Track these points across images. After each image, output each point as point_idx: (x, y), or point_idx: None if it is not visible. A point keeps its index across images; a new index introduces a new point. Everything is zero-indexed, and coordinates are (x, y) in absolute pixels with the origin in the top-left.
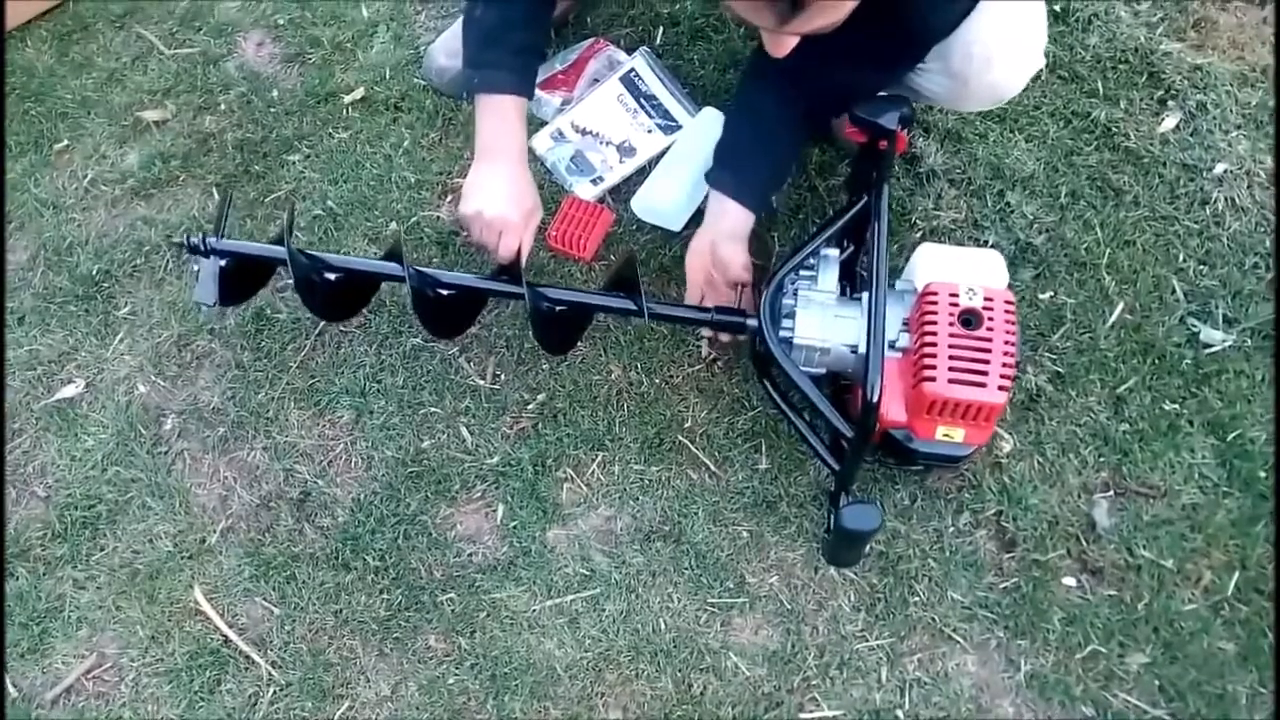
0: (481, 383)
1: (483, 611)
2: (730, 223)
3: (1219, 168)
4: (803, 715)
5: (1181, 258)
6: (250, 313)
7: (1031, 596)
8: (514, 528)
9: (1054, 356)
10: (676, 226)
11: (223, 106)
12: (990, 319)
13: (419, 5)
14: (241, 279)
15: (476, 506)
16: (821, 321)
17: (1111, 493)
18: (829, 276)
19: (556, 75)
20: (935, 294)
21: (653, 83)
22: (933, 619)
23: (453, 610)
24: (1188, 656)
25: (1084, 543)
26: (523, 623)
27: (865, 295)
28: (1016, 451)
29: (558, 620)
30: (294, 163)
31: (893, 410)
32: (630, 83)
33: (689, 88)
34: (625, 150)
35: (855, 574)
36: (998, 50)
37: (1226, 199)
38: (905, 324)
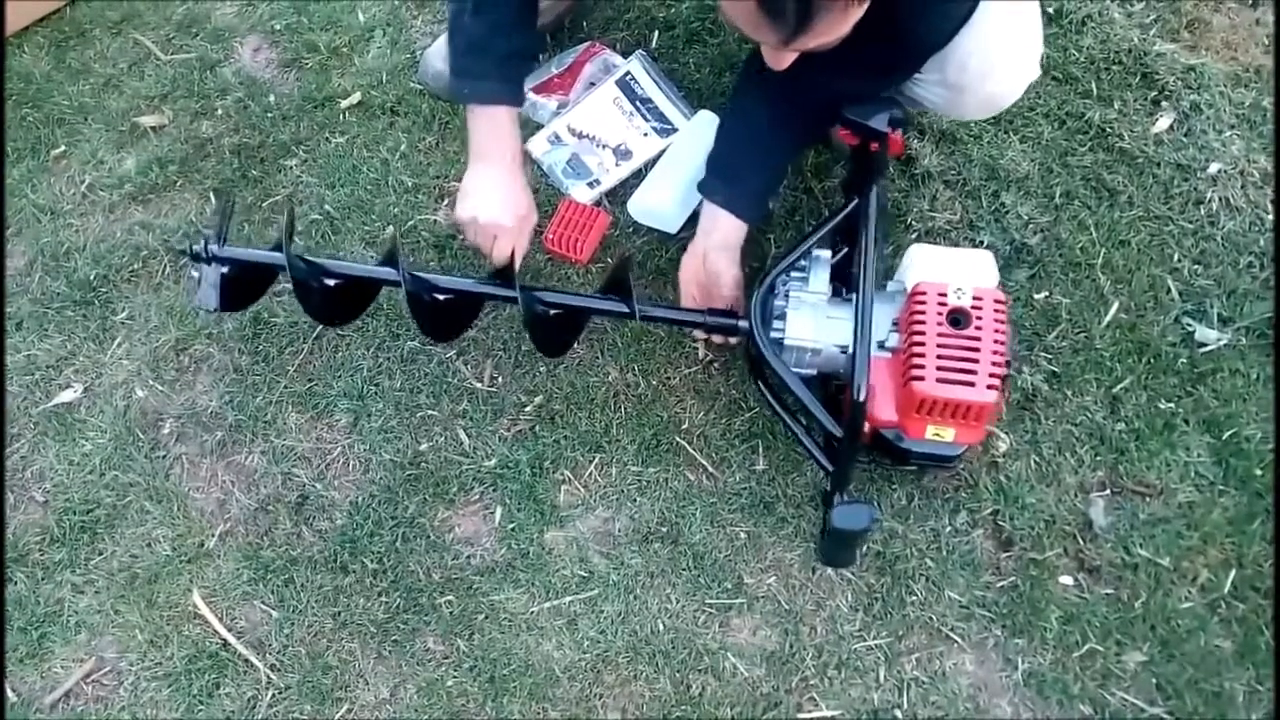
0: (479, 385)
1: (481, 613)
2: (722, 234)
3: (1213, 167)
4: (801, 715)
5: (1176, 257)
6: (248, 317)
7: (1029, 595)
8: (512, 530)
9: (1049, 356)
10: (673, 229)
11: (220, 112)
12: (979, 318)
13: (415, 10)
14: (243, 285)
15: (474, 509)
16: (812, 322)
17: (1108, 491)
18: (820, 278)
19: (553, 79)
20: (924, 294)
21: (649, 86)
22: (930, 618)
23: (451, 612)
24: (1185, 654)
25: (1081, 541)
26: (521, 624)
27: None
28: (1013, 451)
29: (556, 622)
30: (291, 167)
31: (883, 410)
32: (626, 86)
33: (685, 91)
34: (621, 153)
35: (853, 574)
36: (994, 61)
37: (1221, 199)
38: (895, 324)
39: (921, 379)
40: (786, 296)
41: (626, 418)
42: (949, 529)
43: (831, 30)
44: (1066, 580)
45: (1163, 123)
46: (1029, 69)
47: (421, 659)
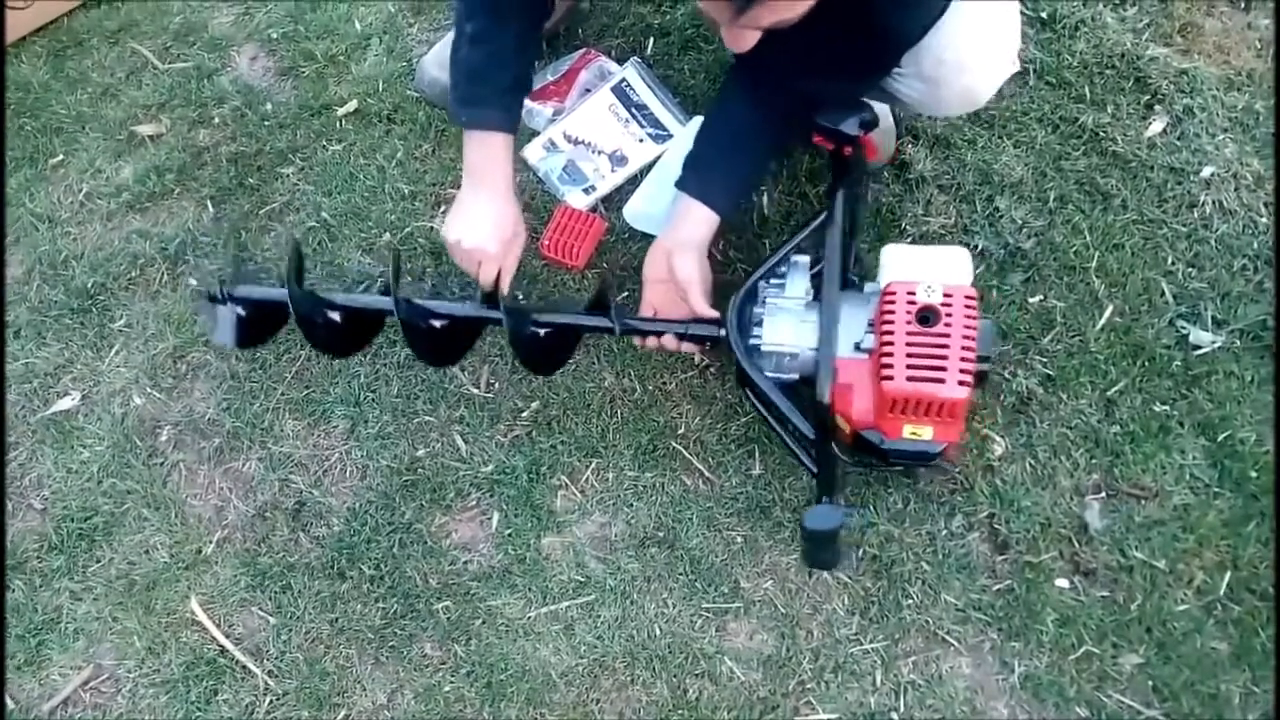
0: (476, 391)
1: (478, 619)
2: (690, 227)
3: (1206, 171)
4: (798, 719)
5: (1170, 260)
6: None
7: (1025, 598)
8: (509, 535)
9: (1044, 359)
10: None
11: (217, 120)
12: (949, 315)
13: (411, 18)
14: (258, 323)
15: (471, 514)
16: (790, 328)
17: (1103, 494)
18: (798, 283)
19: (548, 86)
20: (893, 293)
21: (644, 93)
22: (926, 622)
23: (448, 618)
24: (1181, 657)
25: (1076, 544)
26: (518, 630)
27: None
28: (1008, 454)
29: (553, 627)
30: (288, 175)
31: (861, 411)
32: (622, 93)
33: (680, 97)
34: (617, 159)
35: (849, 578)
36: (969, 56)
37: (1214, 202)
38: (870, 325)
39: (891, 378)
40: (764, 303)
41: (623, 423)
42: (945, 532)
43: (780, 7)
44: (1062, 583)
45: (1156, 126)
46: (1004, 64)
47: (419, 664)
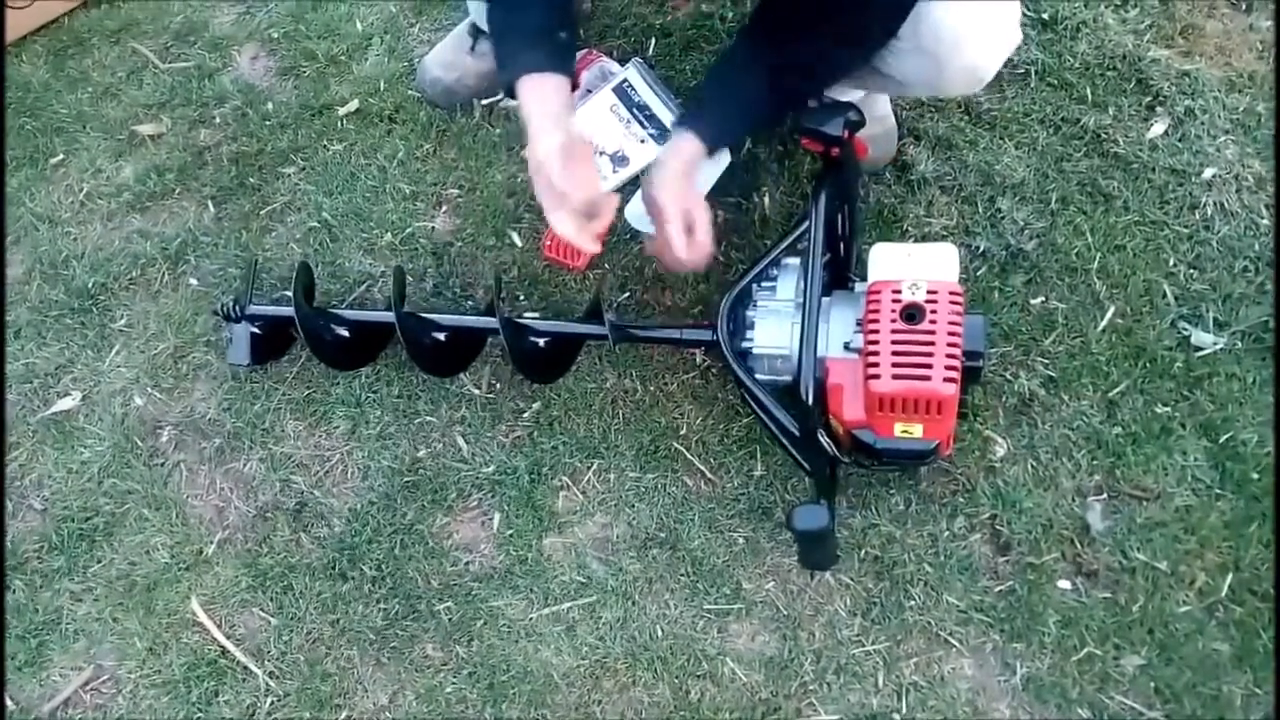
0: (477, 392)
1: (480, 620)
2: (675, 156)
3: (1207, 172)
4: None
5: (1172, 262)
6: None
7: (1027, 600)
8: (510, 536)
9: (1046, 361)
10: None
11: (218, 120)
12: (934, 312)
13: (413, 18)
14: (271, 340)
15: (473, 515)
16: (780, 330)
17: (1105, 496)
18: (788, 285)
19: None
20: (878, 292)
21: (645, 93)
22: (929, 623)
23: (450, 619)
24: (1183, 658)
25: (1078, 546)
26: (520, 631)
27: (826, 299)
28: (1010, 455)
29: (555, 628)
30: (289, 175)
31: (852, 411)
32: (623, 93)
33: (682, 98)
34: (618, 160)
35: (851, 579)
36: (968, 29)
37: (1215, 203)
38: (859, 324)
39: (878, 376)
40: (755, 305)
41: (624, 424)
42: (947, 534)
43: None
44: (1064, 584)
45: (1157, 128)
46: (1006, 37)
47: (420, 665)
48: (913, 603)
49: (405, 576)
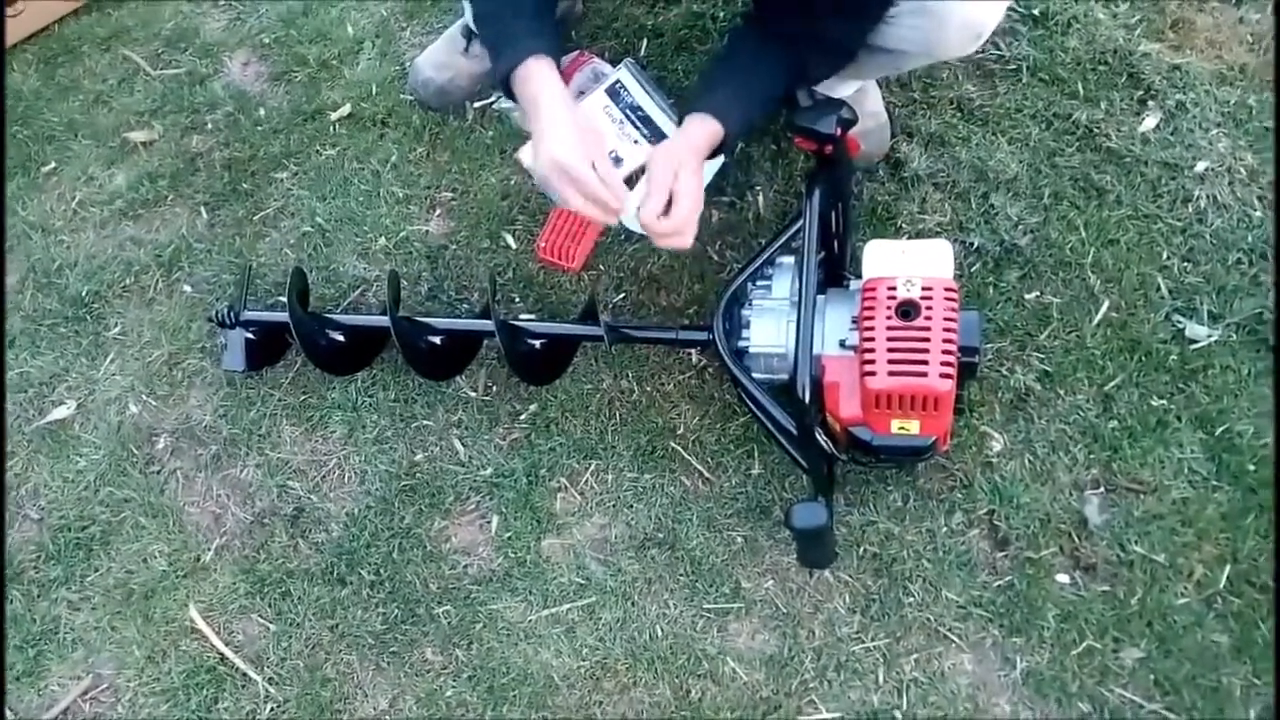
0: (473, 394)
1: (479, 623)
2: (682, 134)
3: (1200, 166)
4: (801, 718)
5: (1165, 255)
6: None
7: (1025, 594)
8: (509, 538)
9: (1041, 356)
10: None
11: (210, 126)
12: (929, 308)
13: (404, 21)
14: (268, 344)
15: (471, 518)
16: (776, 328)
17: (1102, 489)
18: (783, 284)
19: None
20: (873, 289)
21: (638, 94)
22: (928, 619)
23: (449, 622)
24: (1182, 650)
25: (1076, 539)
26: (519, 633)
27: (821, 297)
28: (1007, 451)
29: (554, 630)
30: (282, 180)
31: (848, 408)
32: (616, 94)
33: (674, 99)
34: (612, 161)
35: (850, 576)
36: None
37: (1208, 196)
38: (854, 321)
39: (874, 374)
40: (751, 304)
41: (621, 424)
42: (945, 530)
43: None
44: (1063, 578)
45: (1149, 122)
46: None
47: (420, 669)
48: (912, 599)
49: (404, 580)
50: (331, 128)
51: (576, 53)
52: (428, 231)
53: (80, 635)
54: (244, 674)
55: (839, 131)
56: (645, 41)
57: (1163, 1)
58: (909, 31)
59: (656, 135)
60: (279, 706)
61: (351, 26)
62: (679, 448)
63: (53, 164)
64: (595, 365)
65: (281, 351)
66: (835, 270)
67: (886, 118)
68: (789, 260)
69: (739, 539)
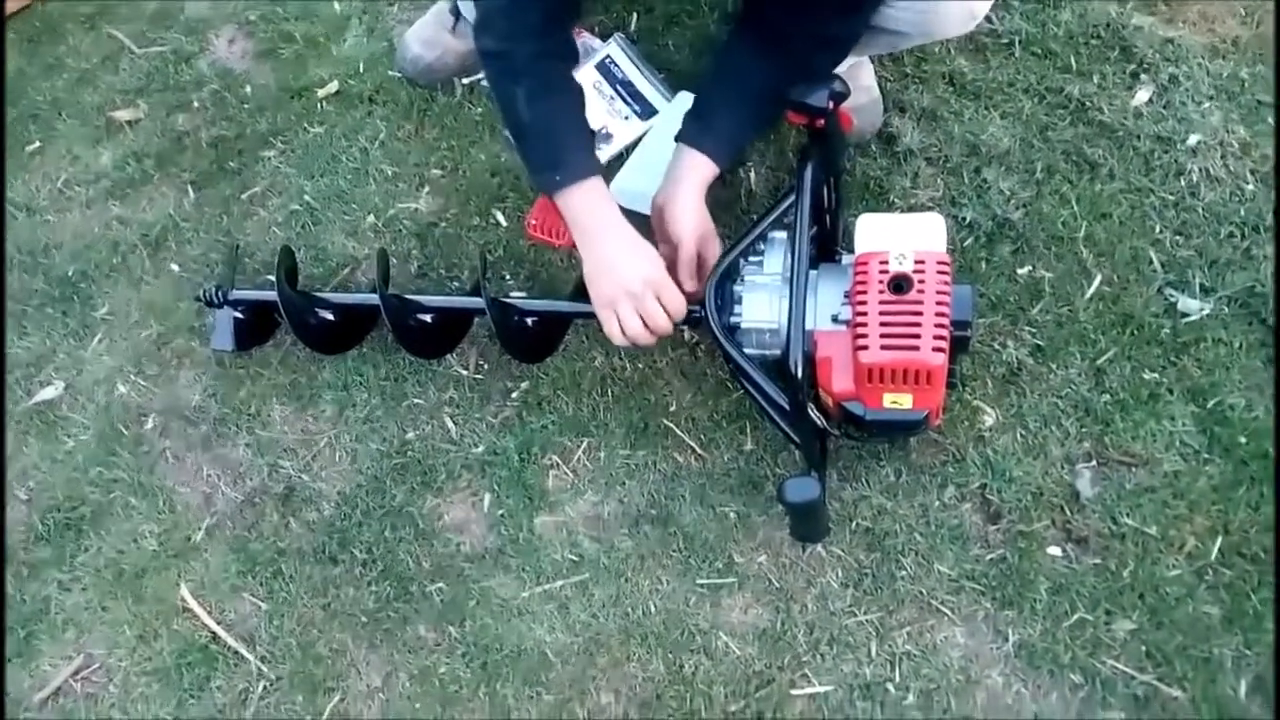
0: (465, 372)
1: (472, 600)
2: (685, 178)
3: (1192, 139)
4: (794, 692)
5: (1158, 229)
6: None
7: (1017, 567)
8: (501, 516)
9: (1034, 330)
10: None
11: (195, 104)
12: (921, 282)
13: None
14: (257, 324)
15: (463, 496)
16: (768, 304)
17: (1094, 462)
18: (775, 259)
19: None
20: (865, 263)
21: (628, 69)
22: (920, 592)
23: (442, 600)
24: (1174, 622)
25: (1068, 512)
26: (513, 610)
27: (813, 272)
28: (999, 425)
29: (547, 606)
30: (269, 158)
31: (841, 383)
32: (606, 69)
33: (664, 73)
34: (602, 137)
35: (842, 550)
36: None
37: (1201, 170)
38: (846, 296)
39: (866, 348)
40: (743, 280)
41: (614, 401)
42: (937, 504)
43: None
44: (1054, 551)
45: (1142, 95)
46: None
47: (413, 647)
48: (904, 573)
49: (396, 559)
50: (319, 105)
51: None
52: (417, 209)
53: (71, 616)
54: (236, 653)
55: (831, 105)
56: (635, 16)
57: None
58: (906, 13)
59: (646, 110)
60: (272, 685)
61: (338, 3)
62: (671, 424)
63: (37, 143)
64: (587, 342)
65: (271, 331)
66: (827, 245)
67: (879, 92)
68: (781, 236)
69: (731, 514)
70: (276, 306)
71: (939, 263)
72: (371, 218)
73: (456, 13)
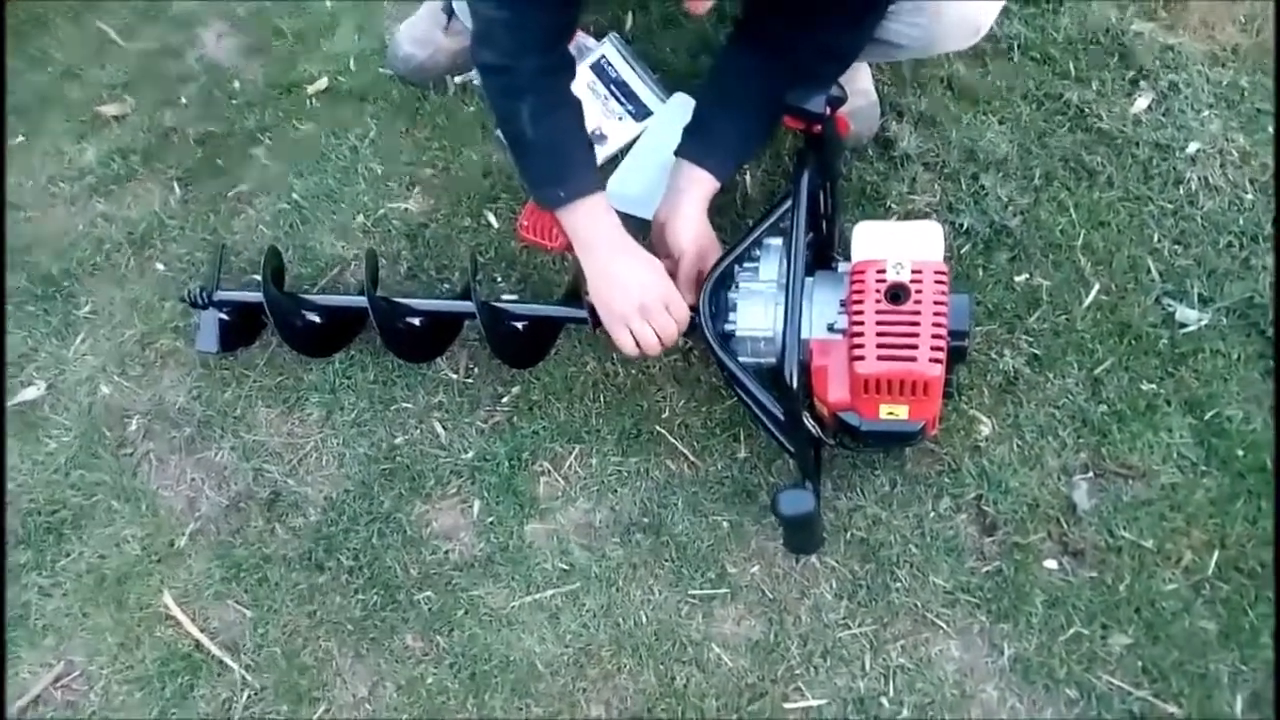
0: (455, 376)
1: (460, 609)
2: (686, 195)
3: (1191, 147)
4: (787, 705)
5: (1156, 238)
6: None
7: (1013, 580)
8: (491, 523)
9: (1031, 339)
10: (649, 214)
11: (183, 100)
12: (919, 292)
13: None
14: (243, 325)
15: (452, 503)
16: (763, 311)
17: (1091, 474)
18: (770, 266)
19: None
20: (862, 272)
21: (623, 69)
22: (915, 605)
23: (430, 609)
24: (1170, 637)
25: (1064, 525)
26: (502, 619)
27: (809, 280)
28: (995, 435)
29: (537, 616)
30: (257, 156)
31: (836, 393)
32: (600, 69)
33: (659, 74)
34: (596, 138)
35: (836, 562)
36: None
37: (1200, 178)
38: (843, 305)
39: (862, 358)
40: (737, 287)
41: (606, 407)
42: (932, 514)
43: None
44: (1051, 564)
45: (1141, 103)
46: None
47: (400, 656)
48: (899, 585)
49: (383, 566)
50: (308, 102)
51: None
52: (407, 209)
53: (51, 622)
54: (220, 661)
55: (828, 110)
56: (631, 16)
57: None
58: (908, 28)
59: (641, 111)
60: (256, 694)
61: None
62: (664, 431)
63: (21, 138)
64: (579, 347)
65: (256, 332)
66: (823, 251)
67: (876, 96)
68: (776, 242)
69: (725, 524)
70: (262, 308)
71: (937, 272)
72: (361, 217)
73: (450, 11)
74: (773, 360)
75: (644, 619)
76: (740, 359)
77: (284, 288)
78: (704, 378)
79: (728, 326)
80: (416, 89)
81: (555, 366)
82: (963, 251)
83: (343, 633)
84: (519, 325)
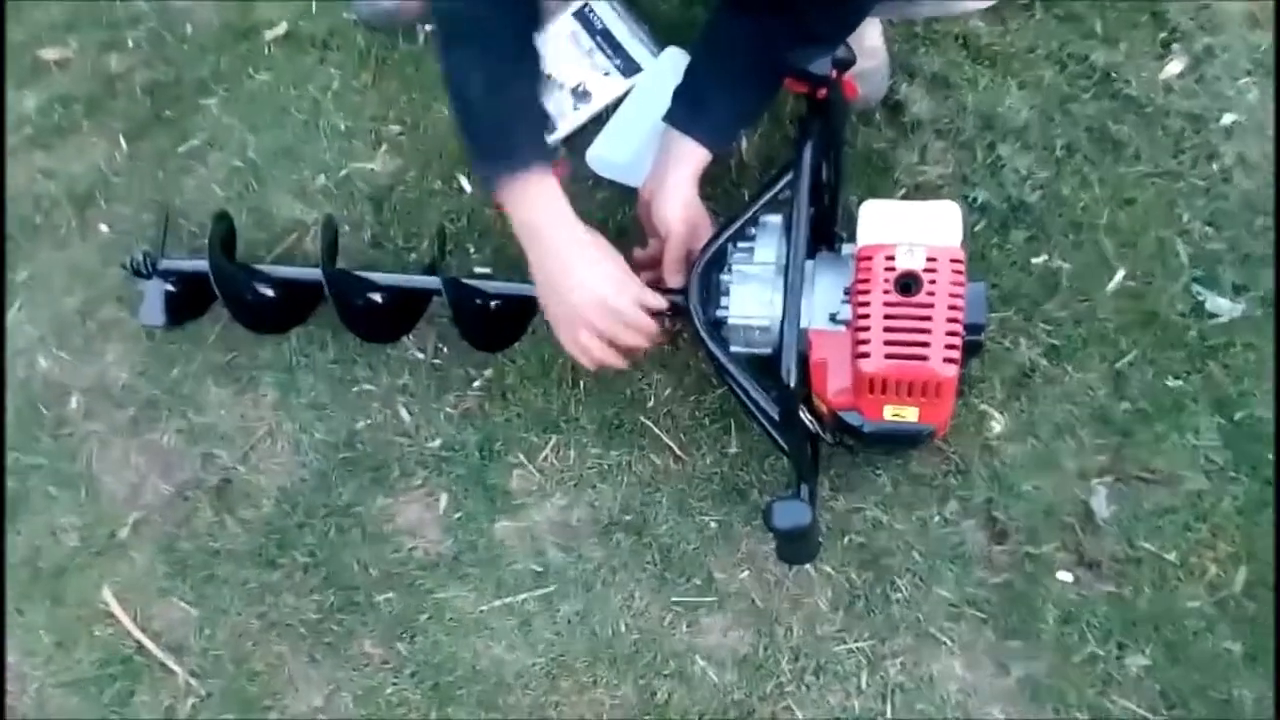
0: (422, 357)
1: (424, 613)
2: (675, 167)
3: (1227, 119)
4: None
5: (1186, 218)
6: None
7: (1024, 593)
8: (459, 519)
9: (1049, 328)
10: (637, 182)
11: (130, 44)
12: (933, 281)
13: None
14: (190, 296)
15: (417, 496)
16: (759, 298)
17: (1110, 478)
18: (768, 247)
19: None
20: (870, 257)
21: (610, 19)
22: (917, 618)
23: (391, 612)
24: (1191, 658)
25: (1081, 534)
26: (469, 625)
27: (809, 263)
28: (1008, 433)
29: (507, 622)
30: (210, 107)
31: (838, 389)
32: (585, 19)
33: (650, 25)
34: (580, 95)
35: (833, 569)
36: None
37: (1235, 153)
38: (847, 293)
39: (867, 355)
40: (731, 270)
41: (585, 395)
42: (938, 519)
43: None
44: (1065, 576)
45: (1173, 67)
46: None
47: (358, 664)
48: (900, 595)
49: (341, 564)
50: (266, 49)
51: None
52: (372, 170)
53: None
54: (163, 664)
55: (834, 74)
56: None
57: None
58: None
59: (629, 67)
60: (202, 701)
61: None
62: (648, 422)
63: None
64: None
65: (205, 304)
66: (826, 229)
67: (886, 55)
68: (775, 220)
69: (713, 524)
70: (208, 279)
71: (953, 260)
72: (322, 178)
73: None
74: (768, 351)
75: (623, 627)
76: (732, 349)
77: (235, 256)
78: (692, 364)
79: (719, 313)
80: (384, 37)
81: (531, 348)
82: (977, 229)
83: (296, 636)
84: (491, 304)
